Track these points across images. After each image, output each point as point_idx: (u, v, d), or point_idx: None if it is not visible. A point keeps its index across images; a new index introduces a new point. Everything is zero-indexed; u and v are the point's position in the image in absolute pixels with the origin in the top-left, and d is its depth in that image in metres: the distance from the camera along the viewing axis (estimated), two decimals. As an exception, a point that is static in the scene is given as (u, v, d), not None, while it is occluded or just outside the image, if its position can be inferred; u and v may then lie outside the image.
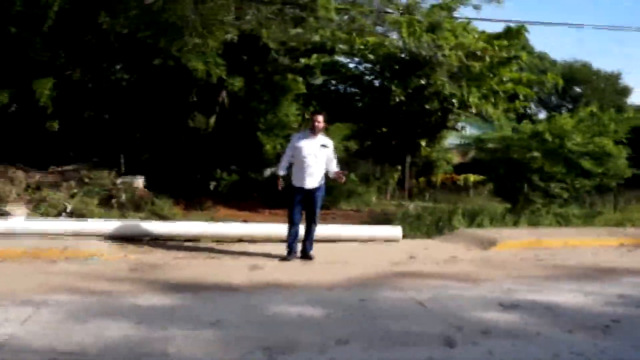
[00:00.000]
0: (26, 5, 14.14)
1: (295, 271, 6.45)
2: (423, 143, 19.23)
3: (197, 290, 5.43)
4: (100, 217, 9.82)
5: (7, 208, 9.92)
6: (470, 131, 19.60)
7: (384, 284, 5.87)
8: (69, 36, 15.64)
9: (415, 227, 9.26)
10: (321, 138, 7.14)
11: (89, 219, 8.49)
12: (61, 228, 7.68)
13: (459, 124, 18.27)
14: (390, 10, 10.87)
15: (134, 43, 15.05)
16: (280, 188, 7.12)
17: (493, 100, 16.59)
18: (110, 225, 7.93)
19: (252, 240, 8.14)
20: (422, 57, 12.34)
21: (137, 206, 11.07)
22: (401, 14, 10.73)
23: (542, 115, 34.63)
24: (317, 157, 6.99)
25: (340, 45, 17.26)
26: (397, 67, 16.48)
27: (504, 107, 17.13)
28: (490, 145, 10.26)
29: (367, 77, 18.41)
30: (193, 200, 16.20)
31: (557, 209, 10.06)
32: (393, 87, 16.32)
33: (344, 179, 7.25)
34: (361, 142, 24.08)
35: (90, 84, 18.00)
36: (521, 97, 16.41)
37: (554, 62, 35.98)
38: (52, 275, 5.78)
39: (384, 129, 20.31)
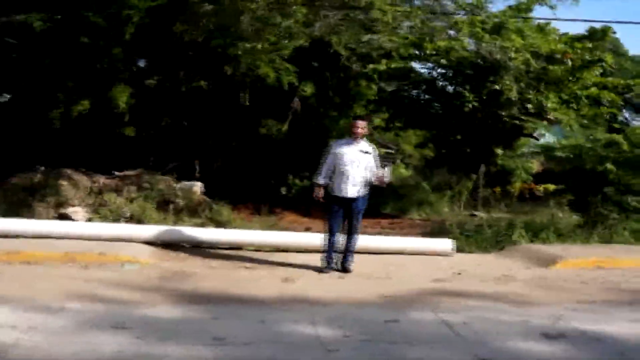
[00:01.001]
0: (106, 19, 14.68)
1: (328, 285, 6.10)
2: (499, 151, 18.31)
3: (216, 302, 5.21)
4: (156, 222, 9.90)
5: (69, 211, 10.21)
6: (550, 139, 18.45)
7: (418, 303, 5.40)
8: (146, 46, 16.13)
9: (472, 241, 8.65)
10: (362, 144, 6.76)
11: (132, 224, 8.54)
12: (104, 232, 7.71)
13: (537, 131, 17.21)
14: (455, 12, 10.29)
15: (208, 52, 15.30)
16: (318, 198, 6.78)
17: (575, 106, 15.52)
18: (154, 230, 7.89)
19: (296, 249, 7.86)
20: (490, 60, 11.63)
21: (193, 212, 11.08)
22: (464, 14, 10.12)
23: (638, 122, 32.16)
24: (358, 165, 6.63)
25: (415, 51, 16.81)
26: (470, 72, 15.78)
27: (588, 114, 16.02)
28: (559, 153, 9.43)
29: (440, 83, 17.76)
30: (263, 206, 16.22)
31: (635, 224, 9.11)
32: (465, 93, 15.67)
33: (385, 183, 6.80)
34: (436, 150, 23.42)
35: (167, 92, 18.52)
36: (606, 103, 15.23)
37: (650, 66, 33.36)
38: (79, 281, 5.74)
39: (459, 137, 19.57)
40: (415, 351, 4.07)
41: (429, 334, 4.51)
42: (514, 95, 12.53)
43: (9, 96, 17.07)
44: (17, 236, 7.44)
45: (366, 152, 6.70)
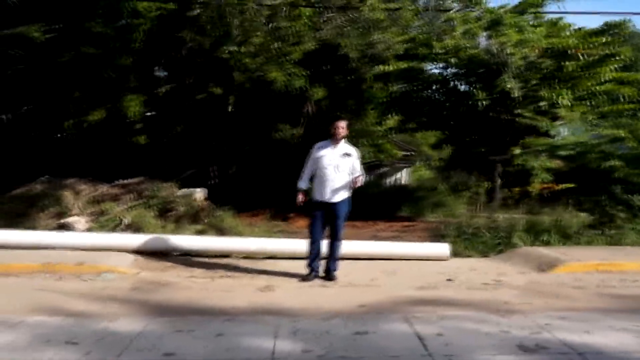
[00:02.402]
0: (114, 28, 14.70)
1: (306, 295, 5.86)
2: (517, 151, 17.81)
3: (183, 314, 5.01)
4: (154, 230, 9.83)
5: (69, 220, 10.18)
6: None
7: (395, 313, 5.11)
8: (156, 54, 16.14)
9: (473, 244, 8.32)
10: (343, 146, 6.50)
11: (119, 233, 8.45)
12: (90, 242, 7.63)
13: (555, 130, 16.68)
14: (447, 9, 9.95)
15: (217, 58, 15.24)
16: (299, 203, 6.56)
17: (590, 102, 15.01)
18: (141, 239, 7.78)
19: (288, 256, 7.63)
20: (492, 57, 11.24)
21: (195, 218, 10.95)
22: (458, 9, 9.76)
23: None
24: (338, 168, 6.37)
25: (426, 51, 16.49)
26: (481, 70, 15.41)
27: (605, 110, 15.48)
28: (562, 152, 9.00)
29: (451, 82, 17.36)
30: (275, 211, 16.05)
31: (645, 225, 8.63)
32: (476, 92, 15.33)
33: (358, 184, 6.41)
34: (453, 150, 22.96)
35: (179, 100, 18.53)
36: (622, 98, 14.67)
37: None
38: (48, 292, 5.62)
39: (474, 137, 19.13)
40: (375, 367, 3.82)
41: (396, 347, 4.22)
42: (515, 92, 12.11)
43: (25, 108, 17.23)
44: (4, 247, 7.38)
45: (347, 155, 6.44)
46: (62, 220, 10.25)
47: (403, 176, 26.84)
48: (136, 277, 6.42)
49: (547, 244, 8.23)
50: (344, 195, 6.41)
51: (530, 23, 15.36)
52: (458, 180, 22.07)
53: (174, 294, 5.76)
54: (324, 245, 6.56)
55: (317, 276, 6.47)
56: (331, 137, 6.51)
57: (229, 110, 14.65)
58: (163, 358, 3.92)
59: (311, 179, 6.60)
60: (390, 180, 24.94)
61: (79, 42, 14.29)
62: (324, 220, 6.43)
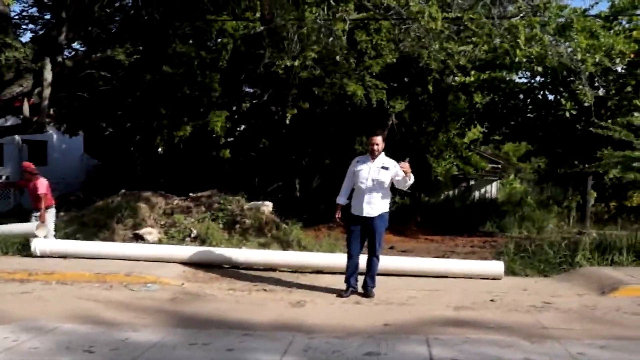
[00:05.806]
0: (200, 48, 15.40)
1: (334, 311, 5.74)
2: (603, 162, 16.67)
3: (205, 327, 5.08)
4: (219, 242, 10.13)
5: (142, 232, 10.66)
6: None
7: (418, 334, 4.88)
8: (239, 72, 16.75)
9: (531, 263, 7.83)
10: (381, 160, 6.32)
11: (169, 245, 8.75)
12: (144, 253, 7.91)
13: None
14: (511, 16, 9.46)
15: (295, 74, 15.56)
16: (338, 217, 6.48)
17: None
18: (190, 251, 7.98)
19: (332, 271, 7.51)
20: (562, 65, 10.55)
21: (260, 231, 11.12)
22: (521, 16, 9.23)
23: None
24: (375, 182, 6.22)
25: (506, 60, 15.90)
26: (570, 78, 14.58)
27: None
28: (636, 164, 8.28)
29: (537, 92, 16.57)
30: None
31: None
32: (562, 101, 14.61)
33: (408, 170, 6.12)
34: (541, 163, 21.90)
35: (262, 116, 19.11)
36: None
37: None
38: (90, 301, 5.89)
39: (564, 148, 18.13)
40: (368, 390, 3.66)
41: (402, 370, 4.05)
42: (589, 100, 11.32)
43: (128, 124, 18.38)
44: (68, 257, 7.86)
45: (385, 168, 6.26)
46: (135, 232, 10.74)
47: (493, 189, 25.90)
48: (178, 289, 6.59)
49: (613, 263, 7.57)
50: (381, 209, 6.24)
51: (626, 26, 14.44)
52: (549, 193, 21.06)
53: (207, 306, 5.85)
54: (363, 260, 6.42)
55: (354, 292, 6.34)
56: (369, 152, 6.37)
57: (309, 124, 14.88)
58: (164, 370, 3.98)
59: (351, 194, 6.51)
60: (477, 194, 24.15)
61: (161, 63, 15.06)
62: (362, 235, 6.30)
